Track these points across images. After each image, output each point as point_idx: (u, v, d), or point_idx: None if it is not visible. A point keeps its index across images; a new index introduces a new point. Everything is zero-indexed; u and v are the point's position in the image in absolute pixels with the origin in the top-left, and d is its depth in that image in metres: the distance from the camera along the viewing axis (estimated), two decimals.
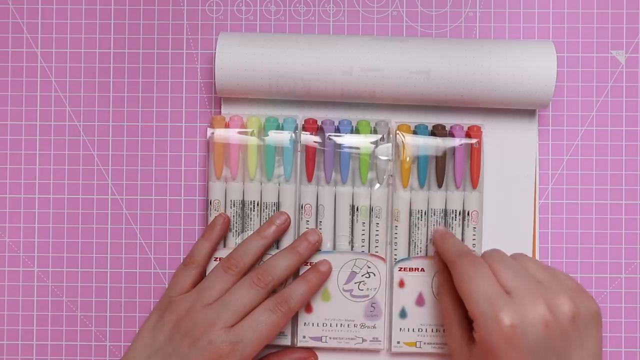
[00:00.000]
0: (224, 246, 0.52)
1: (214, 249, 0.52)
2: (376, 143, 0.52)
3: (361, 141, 0.52)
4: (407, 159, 0.52)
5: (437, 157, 0.52)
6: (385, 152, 0.52)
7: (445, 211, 0.52)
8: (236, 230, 0.52)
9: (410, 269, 0.52)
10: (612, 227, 0.54)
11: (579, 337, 0.44)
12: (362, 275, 0.52)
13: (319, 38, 0.51)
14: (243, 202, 0.52)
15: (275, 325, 0.48)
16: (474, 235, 0.52)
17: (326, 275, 0.51)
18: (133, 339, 0.49)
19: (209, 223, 0.52)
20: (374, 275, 0.52)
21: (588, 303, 0.45)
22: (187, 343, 0.47)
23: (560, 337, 0.43)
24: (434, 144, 0.52)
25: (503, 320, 0.42)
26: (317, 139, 0.52)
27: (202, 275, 0.51)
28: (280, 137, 0.52)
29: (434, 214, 0.52)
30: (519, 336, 0.42)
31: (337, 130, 0.52)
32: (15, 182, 0.54)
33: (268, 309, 0.48)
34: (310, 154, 0.52)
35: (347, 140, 0.52)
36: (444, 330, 0.52)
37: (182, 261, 0.51)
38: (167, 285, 0.52)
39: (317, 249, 0.51)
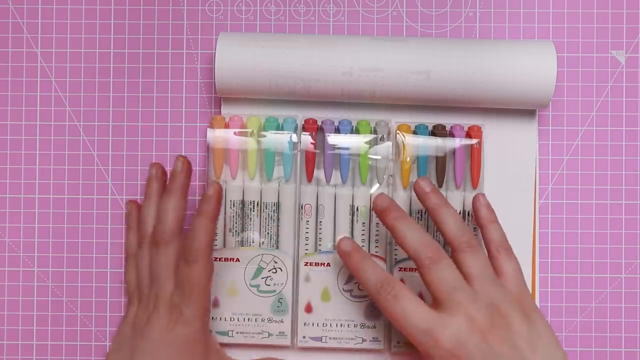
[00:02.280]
0: (224, 246, 0.52)
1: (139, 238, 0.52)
2: (375, 141, 0.51)
3: (359, 141, 0.52)
4: (407, 159, 0.52)
5: (437, 157, 0.52)
6: (382, 151, 0.52)
7: None
8: (236, 230, 0.52)
9: (410, 269, 0.52)
10: (612, 227, 0.54)
11: (527, 341, 0.44)
12: None
13: (319, 38, 0.51)
14: (243, 202, 0.52)
15: (198, 276, 0.47)
16: (474, 235, 0.52)
17: (218, 197, 0.49)
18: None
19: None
20: None
21: (525, 303, 0.46)
22: (139, 340, 0.48)
23: (501, 343, 0.44)
24: (434, 144, 0.52)
25: (442, 345, 0.44)
26: (316, 140, 0.52)
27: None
28: (280, 138, 0.52)
29: None
30: (462, 352, 0.43)
31: (337, 130, 0.52)
32: (15, 182, 0.54)
33: (183, 265, 0.47)
34: (310, 154, 0.52)
35: (345, 140, 0.52)
36: None
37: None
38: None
39: (188, 173, 0.50)
